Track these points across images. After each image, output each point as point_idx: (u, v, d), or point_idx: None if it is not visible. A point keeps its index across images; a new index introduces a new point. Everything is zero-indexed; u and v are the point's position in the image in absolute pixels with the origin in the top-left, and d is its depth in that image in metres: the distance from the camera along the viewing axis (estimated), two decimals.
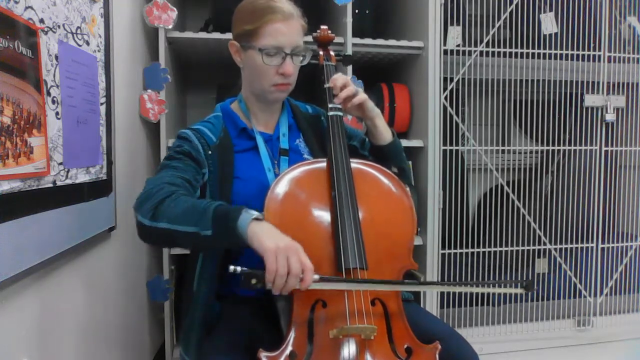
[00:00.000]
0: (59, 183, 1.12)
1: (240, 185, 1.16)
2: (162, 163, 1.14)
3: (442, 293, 2.12)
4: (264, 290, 0.90)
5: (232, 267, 0.88)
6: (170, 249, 1.92)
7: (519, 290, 1.02)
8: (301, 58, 1.19)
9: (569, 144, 2.28)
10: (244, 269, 0.88)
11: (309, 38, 1.28)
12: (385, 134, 1.25)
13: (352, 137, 1.34)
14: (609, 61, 2.26)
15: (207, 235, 0.93)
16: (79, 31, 1.23)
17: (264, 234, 0.90)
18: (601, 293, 2.31)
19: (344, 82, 1.20)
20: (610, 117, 2.27)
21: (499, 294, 2.28)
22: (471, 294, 2.20)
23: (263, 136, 1.23)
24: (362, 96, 1.21)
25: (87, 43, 1.29)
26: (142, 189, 1.05)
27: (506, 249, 2.19)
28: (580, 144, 2.27)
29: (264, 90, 1.18)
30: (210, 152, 1.16)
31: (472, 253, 2.15)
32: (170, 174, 1.07)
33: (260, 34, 1.13)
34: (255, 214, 0.92)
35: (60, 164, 1.12)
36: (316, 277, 0.90)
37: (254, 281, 0.88)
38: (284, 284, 0.87)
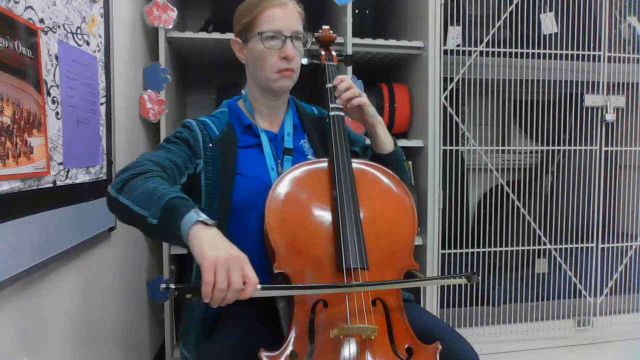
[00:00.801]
0: (59, 183, 1.11)
1: (242, 182, 1.16)
2: (160, 144, 1.15)
3: (442, 293, 2.12)
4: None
5: (162, 286, 0.82)
6: (170, 248, 1.92)
7: (462, 281, 1.00)
8: (302, 44, 1.19)
9: (569, 144, 2.28)
10: (178, 285, 0.82)
11: (313, 34, 1.28)
12: (386, 143, 1.25)
13: (354, 142, 1.33)
14: (609, 61, 2.26)
15: (152, 224, 0.89)
16: (79, 31, 1.23)
17: (206, 241, 0.82)
18: (601, 293, 2.31)
19: (348, 86, 1.21)
20: (610, 117, 2.27)
21: (499, 294, 2.28)
22: (470, 293, 2.20)
23: (268, 135, 1.23)
24: (362, 98, 1.21)
25: (87, 43, 1.29)
26: None
27: (506, 249, 2.19)
28: (580, 144, 2.27)
29: (269, 79, 1.18)
30: (210, 145, 1.16)
31: (472, 253, 2.15)
32: (161, 154, 1.08)
33: (258, 21, 1.15)
34: (203, 216, 0.86)
35: (60, 164, 1.12)
36: (259, 287, 0.84)
37: (188, 296, 0.81)
38: (222, 298, 0.80)
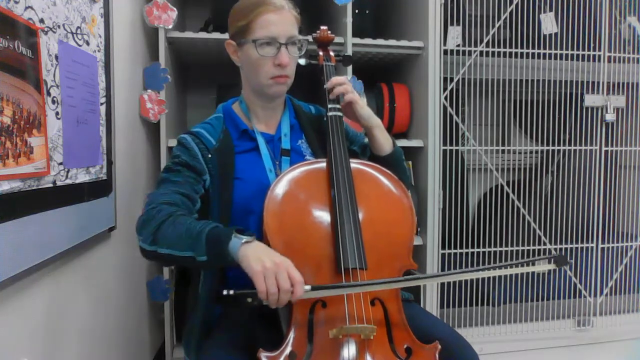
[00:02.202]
0: (59, 183, 1.12)
1: (241, 186, 1.16)
2: (161, 176, 1.15)
3: (442, 293, 2.12)
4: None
5: (225, 291, 0.92)
6: None
7: (552, 266, 1.01)
8: (297, 50, 1.18)
9: (569, 144, 2.28)
10: (237, 291, 0.92)
11: (308, 38, 1.28)
12: (384, 145, 1.24)
13: (353, 141, 1.33)
14: (609, 61, 2.26)
15: (203, 261, 0.97)
16: (79, 31, 1.23)
17: (251, 257, 0.92)
18: (601, 293, 2.31)
19: (341, 81, 1.21)
20: (610, 117, 2.27)
21: (499, 294, 2.28)
22: (470, 293, 2.19)
23: (264, 137, 1.23)
24: (353, 95, 1.21)
25: (87, 43, 1.29)
26: (142, 189, 1.06)
27: (506, 249, 2.19)
28: (580, 144, 2.27)
29: (263, 85, 1.18)
30: (210, 156, 1.15)
31: (472, 253, 2.15)
32: (169, 190, 1.09)
33: (253, 27, 1.13)
34: (244, 238, 0.94)
35: (60, 164, 1.12)
36: (307, 287, 0.92)
37: (249, 300, 0.92)
38: (277, 300, 0.90)
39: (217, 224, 1.00)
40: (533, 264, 1.07)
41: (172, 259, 1.00)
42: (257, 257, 0.91)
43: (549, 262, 1.03)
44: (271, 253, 0.94)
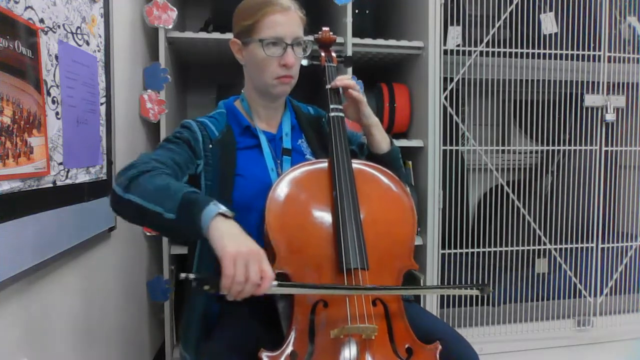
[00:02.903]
0: (59, 183, 1.11)
1: (242, 183, 1.16)
2: (159, 144, 1.14)
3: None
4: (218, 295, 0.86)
5: (182, 275, 0.85)
6: (170, 248, 1.92)
7: (475, 292, 1.00)
8: (302, 50, 1.19)
9: (569, 144, 2.28)
10: (197, 274, 0.86)
11: (310, 39, 1.28)
12: (381, 144, 1.25)
13: (351, 141, 1.33)
14: (609, 61, 2.26)
15: (170, 219, 0.89)
16: (79, 31, 1.23)
17: (226, 234, 0.85)
18: (601, 293, 2.31)
19: (347, 84, 1.22)
20: (610, 117, 2.27)
21: (499, 294, 2.28)
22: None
23: (266, 135, 1.23)
24: (360, 95, 1.21)
25: (87, 43, 1.29)
26: None
27: (506, 249, 2.19)
28: (580, 144, 2.27)
29: (267, 85, 1.18)
30: (211, 146, 1.15)
31: (472, 253, 2.15)
32: (162, 153, 1.07)
33: (260, 27, 1.14)
34: (223, 208, 0.88)
35: (60, 164, 1.12)
36: (274, 283, 0.87)
37: (206, 287, 0.84)
38: (240, 291, 0.83)
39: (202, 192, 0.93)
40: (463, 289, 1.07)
41: (139, 211, 0.92)
42: (232, 236, 0.85)
43: (473, 289, 1.01)
44: (249, 238, 0.87)
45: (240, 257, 0.82)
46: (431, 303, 2.09)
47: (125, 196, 0.93)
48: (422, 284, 2.03)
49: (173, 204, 0.89)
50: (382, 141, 1.25)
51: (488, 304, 2.24)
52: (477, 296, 2.21)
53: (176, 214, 0.88)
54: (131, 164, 1.00)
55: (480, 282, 0.92)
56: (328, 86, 1.23)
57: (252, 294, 0.84)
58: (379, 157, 1.25)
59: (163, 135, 1.86)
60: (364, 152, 1.31)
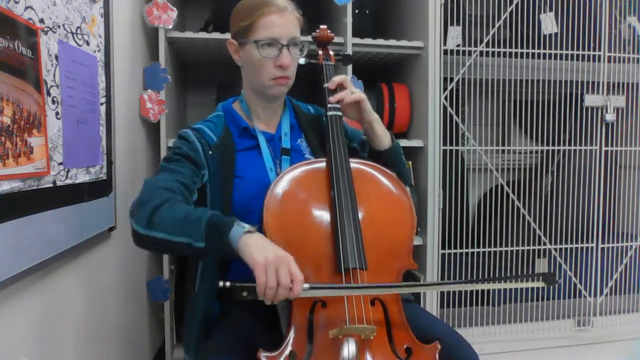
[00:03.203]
0: (59, 183, 1.12)
1: (242, 185, 1.16)
2: (161, 165, 1.14)
3: (441, 293, 2.12)
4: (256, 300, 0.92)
5: (221, 283, 0.89)
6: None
7: (540, 284, 0.99)
8: (299, 51, 1.18)
9: (569, 144, 2.28)
10: (234, 283, 0.90)
11: (308, 38, 1.28)
12: (383, 140, 1.25)
13: (352, 138, 1.33)
14: (609, 61, 2.26)
15: (200, 247, 0.94)
16: (79, 31, 1.23)
17: (253, 248, 0.90)
18: (601, 293, 2.31)
19: (340, 81, 1.21)
20: (610, 117, 2.27)
21: (499, 294, 2.28)
22: (472, 293, 2.19)
23: (265, 136, 1.23)
24: (358, 95, 1.21)
25: (87, 43, 1.29)
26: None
27: (506, 249, 2.19)
28: (580, 144, 2.27)
29: (264, 86, 1.18)
30: (211, 153, 1.15)
31: (472, 253, 2.15)
32: (167, 178, 1.07)
33: (256, 27, 1.14)
34: (246, 227, 0.92)
35: (60, 164, 1.12)
36: (306, 286, 0.91)
37: (245, 294, 0.90)
38: (274, 295, 0.89)
39: (218, 212, 0.98)
40: (526, 281, 1.05)
41: (166, 245, 0.96)
42: (259, 248, 0.90)
43: (538, 280, 1.01)
44: (274, 246, 0.92)
45: (270, 265, 0.88)
46: (431, 303, 2.09)
47: (149, 234, 0.97)
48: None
49: (199, 232, 0.93)
50: (384, 137, 1.25)
51: (488, 304, 2.24)
52: (477, 296, 2.21)
53: (205, 242, 0.93)
54: (143, 200, 1.01)
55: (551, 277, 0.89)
56: (326, 85, 1.23)
57: (287, 297, 0.90)
58: (383, 154, 1.24)
59: (163, 135, 1.86)
60: (366, 150, 1.31)
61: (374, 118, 1.23)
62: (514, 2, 2.11)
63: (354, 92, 1.21)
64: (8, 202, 0.91)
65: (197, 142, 1.16)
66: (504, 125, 2.51)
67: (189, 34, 1.91)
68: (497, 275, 2.22)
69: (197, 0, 2.38)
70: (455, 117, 2.07)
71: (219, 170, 1.15)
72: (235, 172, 1.16)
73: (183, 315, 1.27)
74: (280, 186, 1.09)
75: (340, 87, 1.22)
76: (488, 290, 2.28)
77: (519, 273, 2.29)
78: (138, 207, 1.00)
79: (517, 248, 2.20)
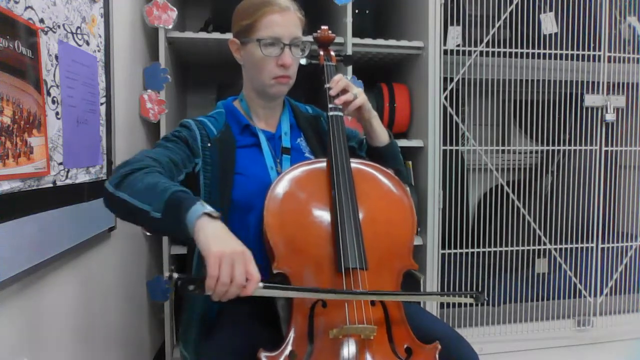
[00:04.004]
0: (59, 183, 1.12)
1: (242, 182, 1.16)
2: (157, 142, 1.14)
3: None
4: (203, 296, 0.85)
5: (166, 274, 0.83)
6: (170, 248, 1.92)
7: (469, 300, 1.00)
8: (300, 51, 1.19)
9: (569, 144, 2.28)
10: (181, 274, 0.82)
11: (309, 38, 1.28)
12: (381, 136, 1.26)
13: (350, 137, 1.34)
14: (609, 61, 2.26)
15: (156, 217, 0.88)
16: (79, 31, 1.23)
17: (212, 235, 0.83)
18: (601, 293, 2.31)
19: (344, 86, 1.21)
20: (610, 117, 2.27)
21: (499, 294, 2.28)
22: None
23: (265, 134, 1.23)
24: (361, 99, 1.21)
25: (87, 43, 1.29)
26: None
27: (506, 249, 2.19)
28: (580, 144, 2.27)
29: (265, 85, 1.18)
30: (209, 145, 1.16)
31: (472, 253, 2.15)
32: (159, 152, 1.07)
33: (258, 26, 1.14)
34: (209, 209, 0.86)
35: (60, 164, 1.12)
36: (260, 285, 0.85)
37: (191, 287, 0.82)
38: (224, 292, 0.82)
39: (190, 192, 0.92)
40: (459, 297, 1.06)
41: (128, 208, 0.91)
42: (218, 237, 0.83)
43: (469, 297, 1.01)
44: (235, 239, 0.85)
45: (225, 258, 0.81)
46: (431, 303, 2.09)
47: (115, 193, 0.93)
48: (422, 284, 2.03)
49: (160, 202, 0.88)
50: (382, 133, 1.26)
51: (488, 304, 2.24)
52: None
53: (162, 213, 0.87)
54: (126, 162, 1.00)
55: (475, 288, 0.90)
56: (327, 85, 1.23)
57: (237, 296, 0.83)
58: (380, 151, 1.25)
59: (163, 135, 1.86)
60: (364, 148, 1.32)
61: (373, 114, 1.24)
62: (514, 2, 2.11)
63: (357, 94, 1.21)
64: (8, 202, 0.91)
65: (197, 131, 1.16)
66: (504, 125, 2.51)
67: (189, 34, 1.91)
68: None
69: (197, 0, 2.38)
70: (455, 117, 2.07)
71: (218, 164, 1.15)
72: (235, 168, 1.16)
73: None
74: (281, 186, 1.09)
75: (343, 92, 1.22)
76: (488, 290, 2.28)
77: (519, 273, 2.30)
78: (118, 168, 0.99)
79: (517, 248, 2.20)
